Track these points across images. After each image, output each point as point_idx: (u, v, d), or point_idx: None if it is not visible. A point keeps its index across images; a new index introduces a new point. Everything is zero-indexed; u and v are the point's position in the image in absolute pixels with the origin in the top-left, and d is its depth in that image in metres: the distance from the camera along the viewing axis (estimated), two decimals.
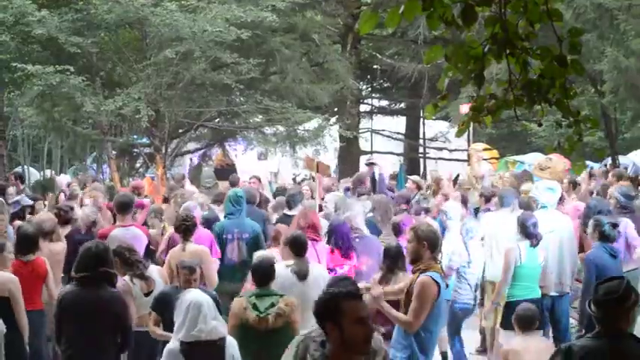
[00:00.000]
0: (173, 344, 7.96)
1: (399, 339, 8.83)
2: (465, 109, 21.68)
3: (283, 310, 8.76)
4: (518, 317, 9.99)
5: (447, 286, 9.25)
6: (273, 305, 8.77)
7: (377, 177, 18.45)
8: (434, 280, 8.65)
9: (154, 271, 10.41)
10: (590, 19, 30.28)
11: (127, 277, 10.10)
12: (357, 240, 12.41)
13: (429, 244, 8.81)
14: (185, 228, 11.71)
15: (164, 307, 9.30)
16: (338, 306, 5.30)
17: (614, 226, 11.59)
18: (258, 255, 10.56)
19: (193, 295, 8.07)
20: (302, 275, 9.89)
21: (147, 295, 10.03)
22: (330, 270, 11.83)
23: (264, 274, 9.07)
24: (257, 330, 8.65)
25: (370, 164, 17.34)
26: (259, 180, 20.03)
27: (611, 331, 5.86)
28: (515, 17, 5.90)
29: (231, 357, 7.94)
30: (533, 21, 5.92)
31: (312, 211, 13.21)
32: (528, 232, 11.67)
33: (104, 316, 8.61)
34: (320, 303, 5.44)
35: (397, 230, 13.00)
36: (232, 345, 7.99)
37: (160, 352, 8.95)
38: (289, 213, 14.96)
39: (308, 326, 9.28)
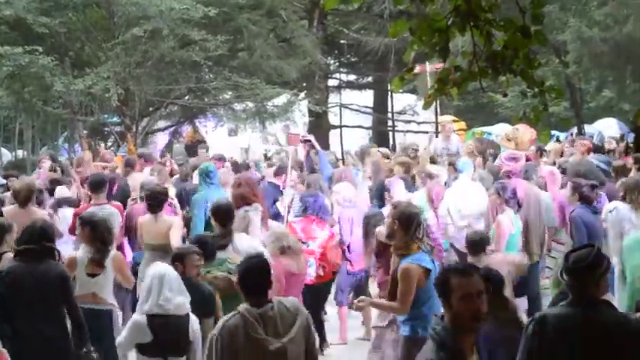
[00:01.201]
0: (139, 316, 7.91)
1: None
2: (422, 68, 21.66)
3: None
4: (468, 242, 10.17)
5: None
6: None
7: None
8: (419, 265, 8.52)
9: (109, 259, 10.21)
10: None
11: (80, 252, 9.98)
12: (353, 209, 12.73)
13: (399, 223, 8.68)
14: (161, 201, 11.77)
15: None
16: (447, 282, 5.27)
17: (593, 187, 11.64)
18: None
19: (157, 268, 8.03)
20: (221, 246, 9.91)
21: (91, 276, 9.85)
22: (303, 242, 11.87)
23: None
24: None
25: (305, 141, 16.96)
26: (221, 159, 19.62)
27: (583, 298, 5.86)
28: None
29: (193, 332, 7.89)
30: None
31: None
32: (508, 199, 11.71)
33: (49, 290, 8.67)
34: (436, 279, 5.47)
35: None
36: (195, 321, 7.96)
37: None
38: None
39: None
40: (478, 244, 10.28)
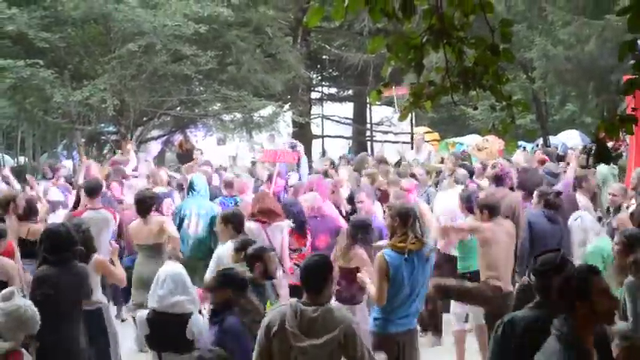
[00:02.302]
0: (143, 311, 7.87)
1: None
2: (398, 91, 21.76)
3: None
4: (483, 204, 10.16)
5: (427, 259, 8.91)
6: None
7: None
8: (384, 257, 8.57)
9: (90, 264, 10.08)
10: (521, 10, 30.49)
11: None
12: (318, 219, 12.46)
13: (400, 219, 8.74)
14: (149, 205, 11.70)
15: None
16: (588, 283, 5.26)
17: (558, 194, 11.63)
18: None
19: (167, 267, 7.97)
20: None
21: None
22: (293, 251, 11.83)
23: None
24: None
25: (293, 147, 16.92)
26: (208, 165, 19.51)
27: (549, 300, 5.87)
28: (451, 9, 5.90)
29: (192, 334, 7.76)
30: (468, 13, 5.93)
31: (267, 195, 13.04)
32: (471, 206, 11.68)
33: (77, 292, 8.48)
34: (568, 284, 5.38)
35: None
36: (197, 323, 7.84)
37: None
38: None
39: None
40: None
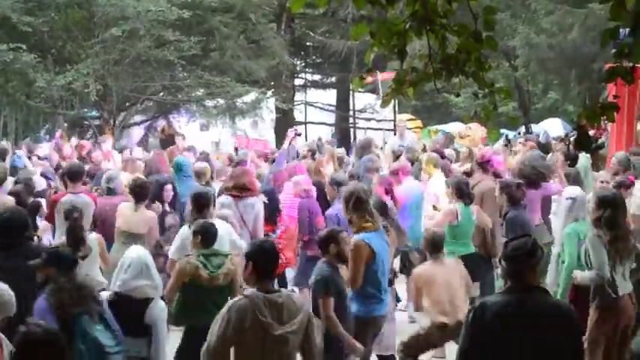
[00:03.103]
0: (107, 293, 7.85)
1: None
2: (382, 77, 21.76)
3: (230, 269, 8.64)
4: (427, 242, 10.08)
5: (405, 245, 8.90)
6: (220, 265, 8.66)
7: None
8: (367, 243, 8.56)
9: (93, 238, 10.12)
10: None
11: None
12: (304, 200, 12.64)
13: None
14: (142, 192, 11.65)
15: None
16: None
17: (519, 186, 11.59)
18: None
19: (132, 250, 7.93)
20: None
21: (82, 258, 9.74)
22: (265, 234, 11.85)
23: (212, 236, 8.94)
24: (207, 287, 8.57)
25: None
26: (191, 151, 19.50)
27: (521, 285, 5.89)
28: None
29: (152, 317, 7.69)
30: (451, 0, 5.92)
31: (246, 172, 12.89)
32: (462, 193, 11.66)
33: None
34: None
35: None
36: (158, 308, 7.76)
37: None
38: None
39: None
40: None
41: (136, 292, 7.61)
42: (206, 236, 8.91)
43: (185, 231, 9.82)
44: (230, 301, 6.54)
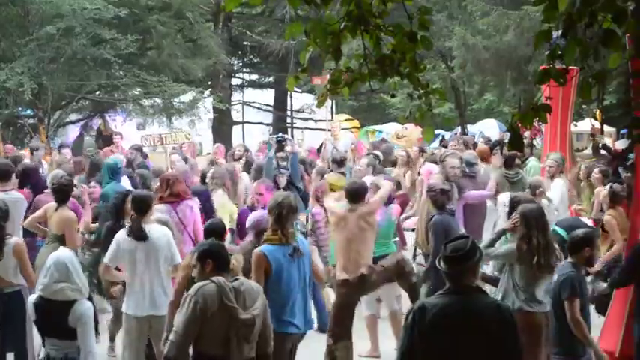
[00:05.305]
0: (34, 295, 7.80)
1: None
2: (317, 80, 21.77)
3: (234, 265, 8.48)
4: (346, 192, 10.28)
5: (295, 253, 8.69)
6: None
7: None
8: (262, 253, 8.37)
9: (11, 243, 9.92)
10: (441, 0, 30.71)
11: None
12: None
13: (271, 213, 8.60)
14: (67, 193, 11.54)
15: None
16: None
17: (444, 192, 11.57)
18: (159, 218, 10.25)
19: (54, 253, 7.86)
20: (138, 236, 9.56)
21: None
22: None
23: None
24: None
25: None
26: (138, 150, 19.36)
27: (460, 286, 5.90)
28: None
29: (76, 318, 7.61)
30: (386, 0, 5.93)
31: (177, 180, 12.77)
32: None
33: None
34: None
35: None
36: (79, 312, 7.68)
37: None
38: None
39: (157, 281, 9.42)
40: None
41: (58, 295, 7.55)
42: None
43: (121, 235, 9.75)
44: (195, 285, 6.58)
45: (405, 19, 5.95)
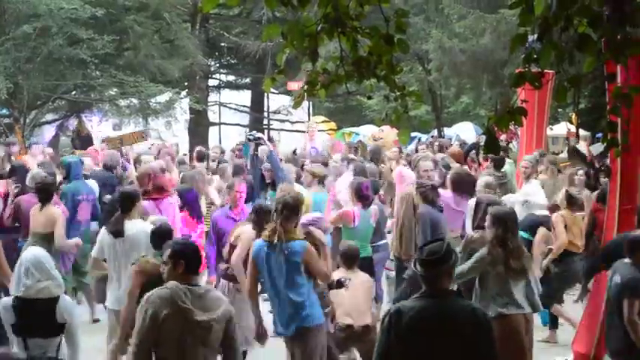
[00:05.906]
0: (7, 298, 7.73)
1: None
2: (293, 85, 21.80)
3: None
4: (342, 255, 10.06)
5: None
6: None
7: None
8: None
9: None
10: (418, 3, 30.81)
11: None
12: None
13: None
14: (50, 192, 11.66)
15: None
16: None
17: (434, 188, 11.65)
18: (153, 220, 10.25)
19: (28, 252, 7.83)
20: (114, 232, 9.83)
21: None
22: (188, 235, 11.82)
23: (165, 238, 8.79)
24: None
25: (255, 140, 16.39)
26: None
27: (436, 289, 5.91)
28: None
29: (62, 317, 7.60)
30: (363, 2, 5.94)
31: (158, 175, 12.81)
32: (361, 195, 11.71)
33: None
34: None
35: None
36: (66, 306, 7.68)
37: None
38: None
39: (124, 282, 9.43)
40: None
41: (43, 294, 7.52)
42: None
43: (104, 230, 9.99)
44: (148, 293, 6.55)
45: (382, 21, 5.95)
